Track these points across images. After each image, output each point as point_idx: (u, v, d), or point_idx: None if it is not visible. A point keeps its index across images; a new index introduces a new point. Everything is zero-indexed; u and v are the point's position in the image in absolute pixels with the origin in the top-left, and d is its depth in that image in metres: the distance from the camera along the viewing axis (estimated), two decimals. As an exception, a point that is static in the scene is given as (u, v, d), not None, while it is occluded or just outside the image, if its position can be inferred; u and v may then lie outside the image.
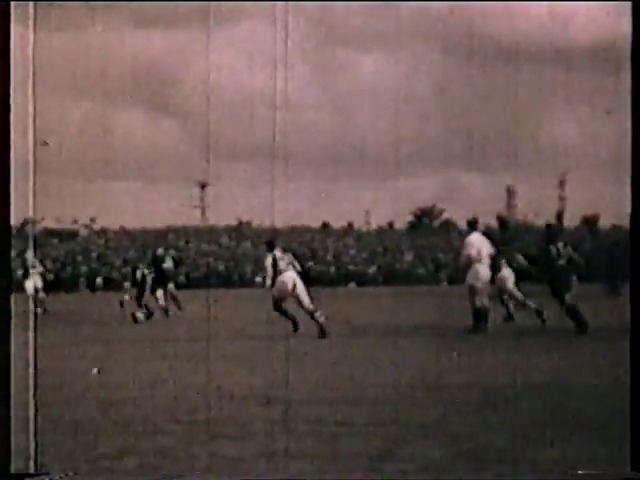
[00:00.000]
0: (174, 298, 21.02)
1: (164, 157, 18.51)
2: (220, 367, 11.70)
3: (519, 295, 16.37)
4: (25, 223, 25.69)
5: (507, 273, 16.38)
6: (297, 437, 7.98)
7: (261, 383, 10.48)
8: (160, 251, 21.68)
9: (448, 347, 13.65)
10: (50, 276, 24.53)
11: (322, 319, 15.47)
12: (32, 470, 7.41)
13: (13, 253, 24.29)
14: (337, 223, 23.22)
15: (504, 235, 20.13)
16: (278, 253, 16.11)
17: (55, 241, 25.19)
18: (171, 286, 21.27)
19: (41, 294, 19.96)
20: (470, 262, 15.69)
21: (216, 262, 24.96)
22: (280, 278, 15.83)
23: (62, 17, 13.14)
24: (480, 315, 15.47)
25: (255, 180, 17.83)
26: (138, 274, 20.23)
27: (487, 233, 16.38)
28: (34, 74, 7.90)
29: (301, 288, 15.80)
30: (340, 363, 12.16)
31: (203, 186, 23.83)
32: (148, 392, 10.03)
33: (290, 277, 15.85)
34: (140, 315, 19.06)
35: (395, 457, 7.47)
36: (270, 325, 16.53)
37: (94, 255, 25.54)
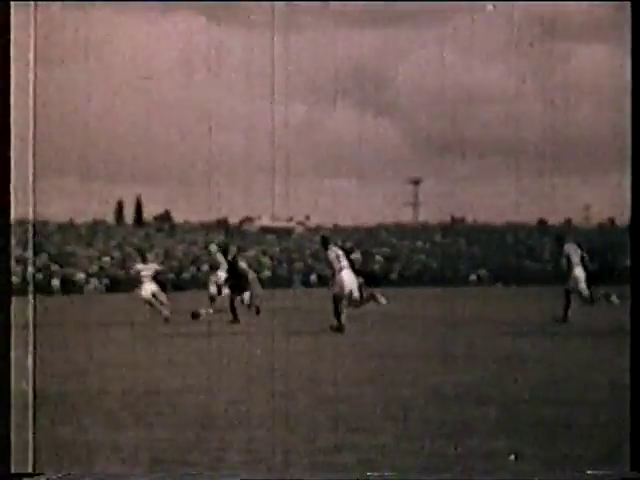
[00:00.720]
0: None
1: (377, 154, 18.59)
2: (429, 365, 11.63)
3: None
4: (243, 221, 26.48)
5: None
6: (516, 438, 7.80)
7: (473, 382, 10.33)
8: (348, 245, 21.84)
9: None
10: (268, 273, 25.10)
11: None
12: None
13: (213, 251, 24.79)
14: (554, 219, 22.62)
15: None
16: (335, 250, 16.45)
17: (271, 238, 25.73)
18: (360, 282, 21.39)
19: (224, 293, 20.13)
20: None
21: (429, 260, 24.84)
22: (338, 276, 16.38)
23: (268, 19, 13.40)
24: None
25: (469, 176, 17.64)
26: (243, 265, 20.15)
27: None
28: (32, 67, 8.01)
29: (353, 285, 16.31)
30: (555, 363, 11.84)
31: (416, 182, 23.77)
32: (359, 389, 10.06)
33: (346, 276, 16.40)
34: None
35: (615, 461, 7.19)
36: (476, 324, 16.36)
37: (308, 252, 25.94)
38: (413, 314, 18.45)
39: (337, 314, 16.19)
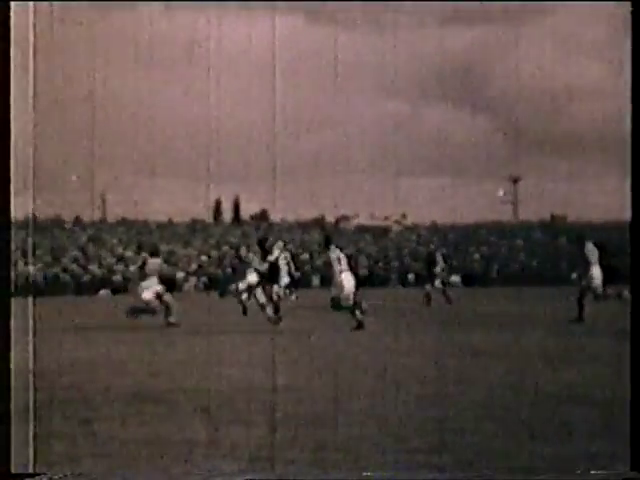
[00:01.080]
0: (445, 294, 21.11)
1: (475, 152, 18.40)
2: (528, 364, 11.44)
3: None
4: (339, 220, 26.33)
5: None
6: (618, 439, 7.62)
7: (576, 381, 10.13)
8: (432, 249, 21.80)
9: None
10: (364, 272, 25.11)
11: (361, 316, 16.22)
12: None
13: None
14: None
15: None
16: (337, 252, 16.69)
17: (368, 237, 25.72)
18: (437, 283, 21.32)
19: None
20: None
21: (529, 258, 24.52)
22: (340, 278, 16.49)
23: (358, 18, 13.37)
24: None
25: (570, 173, 17.32)
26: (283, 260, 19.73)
27: None
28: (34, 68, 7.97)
29: (350, 287, 16.54)
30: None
31: (515, 181, 23.48)
32: (459, 388, 9.95)
33: (345, 278, 16.54)
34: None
35: None
36: (575, 323, 16.12)
37: (406, 251, 25.85)
38: (512, 313, 18.22)
39: (338, 310, 16.63)
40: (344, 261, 16.63)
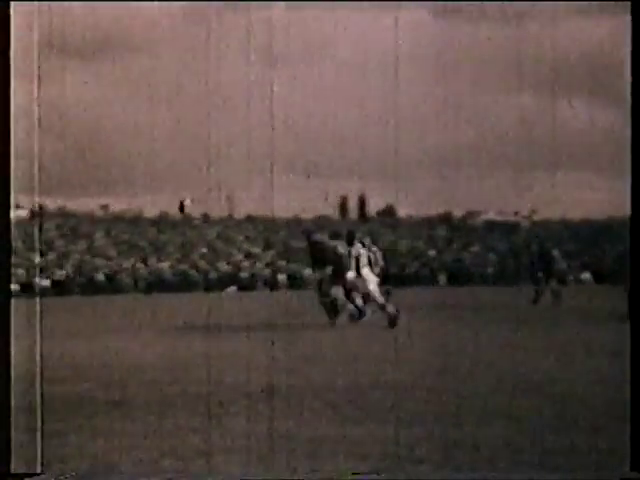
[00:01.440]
0: (557, 293, 20.94)
1: (609, 146, 17.97)
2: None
3: None
4: (467, 215, 26.16)
5: None
6: None
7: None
8: (549, 246, 21.63)
9: None
10: (492, 269, 24.85)
11: (391, 310, 16.10)
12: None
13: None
14: None
15: None
16: (358, 249, 16.81)
17: (497, 233, 25.43)
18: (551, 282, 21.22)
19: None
20: None
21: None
22: (361, 274, 16.66)
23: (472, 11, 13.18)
24: None
25: None
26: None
27: None
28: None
29: (373, 283, 16.67)
30: None
31: (649, 175, 22.88)
32: (586, 388, 9.75)
33: (366, 274, 16.65)
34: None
35: None
36: None
37: (534, 247, 25.46)
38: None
39: (354, 304, 16.83)
40: (364, 258, 16.85)
